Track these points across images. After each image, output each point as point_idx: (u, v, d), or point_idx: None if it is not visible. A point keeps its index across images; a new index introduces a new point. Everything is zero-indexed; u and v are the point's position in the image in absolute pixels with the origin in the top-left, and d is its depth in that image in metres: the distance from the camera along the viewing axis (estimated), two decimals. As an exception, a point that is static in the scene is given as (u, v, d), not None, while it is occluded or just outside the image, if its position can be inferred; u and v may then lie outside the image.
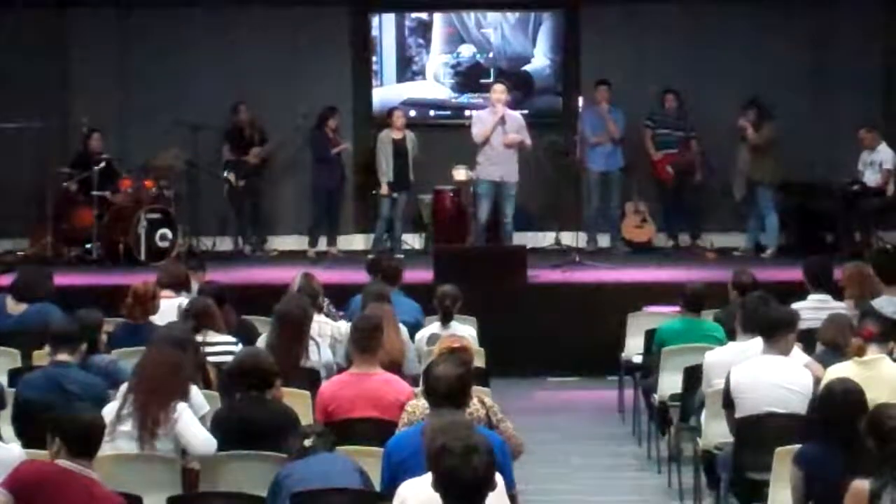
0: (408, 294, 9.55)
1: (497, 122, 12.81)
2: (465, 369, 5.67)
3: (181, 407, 6.22)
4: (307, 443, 5.63)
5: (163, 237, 13.35)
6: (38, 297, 8.84)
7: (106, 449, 6.15)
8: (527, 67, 15.07)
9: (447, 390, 5.52)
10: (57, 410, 5.49)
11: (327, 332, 8.35)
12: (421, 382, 5.90)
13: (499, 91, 12.97)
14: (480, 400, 6.12)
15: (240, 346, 7.55)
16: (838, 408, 5.66)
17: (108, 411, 6.27)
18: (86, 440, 5.22)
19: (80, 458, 5.18)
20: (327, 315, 8.81)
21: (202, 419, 6.36)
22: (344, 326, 8.42)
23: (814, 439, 5.77)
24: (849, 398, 5.68)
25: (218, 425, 6.32)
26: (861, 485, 5.01)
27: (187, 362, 6.53)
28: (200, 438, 6.17)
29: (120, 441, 6.19)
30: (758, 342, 7.05)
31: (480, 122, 12.91)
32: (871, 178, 13.51)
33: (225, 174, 14.09)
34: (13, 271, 10.60)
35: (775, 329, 6.92)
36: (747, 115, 13.68)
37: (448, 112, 14.93)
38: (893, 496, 4.90)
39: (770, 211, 13.72)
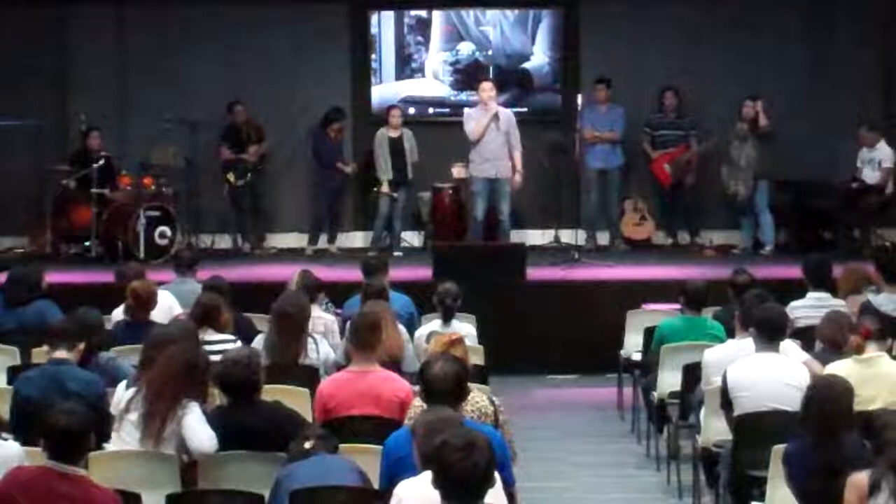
0: (402, 290, 9.51)
1: (491, 120, 12.85)
2: (461, 366, 5.69)
3: (191, 405, 6.20)
4: (307, 445, 5.63)
5: (162, 235, 13.35)
6: (29, 300, 8.86)
7: (112, 439, 6.19)
8: (526, 65, 15.06)
9: (443, 389, 5.53)
10: (47, 409, 5.43)
11: (320, 328, 8.38)
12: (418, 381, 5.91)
13: (488, 89, 13.04)
14: (489, 397, 6.14)
15: (238, 343, 7.53)
16: (820, 404, 5.72)
17: (118, 399, 6.29)
18: (63, 445, 5.19)
19: (62, 461, 5.17)
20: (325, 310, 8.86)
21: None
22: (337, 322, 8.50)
23: (797, 436, 5.81)
24: (830, 395, 5.73)
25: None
26: (860, 477, 5.08)
27: (204, 361, 6.50)
28: (203, 436, 6.14)
29: (126, 430, 6.19)
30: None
31: (472, 120, 12.97)
32: (870, 175, 13.51)
33: (226, 175, 14.08)
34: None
35: (775, 331, 6.93)
36: (756, 104, 13.61)
37: (447, 109, 14.92)
38: (892, 484, 4.96)
39: (765, 208, 13.72)
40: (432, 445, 4.32)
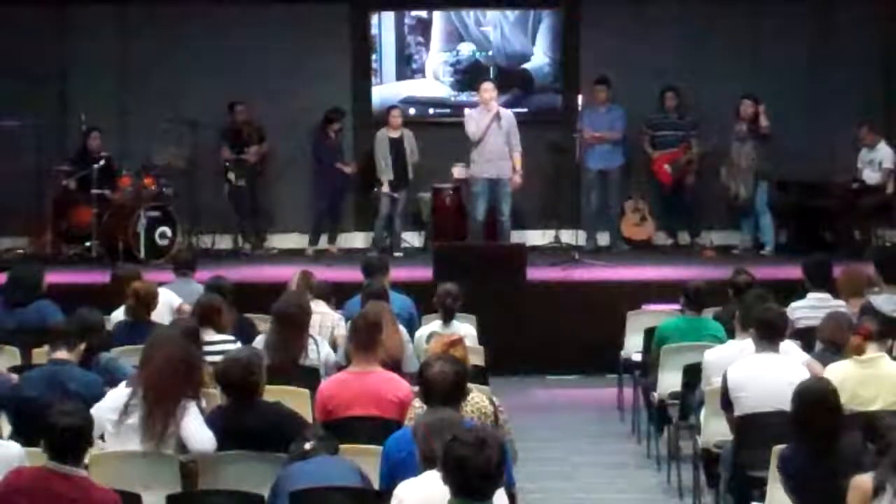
0: (403, 291, 9.52)
1: (493, 120, 12.86)
2: (460, 367, 5.69)
3: (190, 406, 6.20)
4: (308, 446, 5.62)
5: (162, 235, 13.35)
6: (29, 300, 8.86)
7: (111, 442, 6.19)
8: (526, 65, 15.06)
9: (442, 390, 5.54)
10: (47, 409, 5.43)
11: (328, 324, 8.38)
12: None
13: (488, 89, 13.07)
14: (489, 397, 6.15)
15: (238, 344, 7.54)
16: (809, 408, 5.72)
17: (115, 399, 6.28)
18: (63, 445, 5.20)
19: (61, 462, 5.17)
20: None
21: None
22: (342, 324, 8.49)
23: (791, 441, 5.81)
24: (818, 398, 5.72)
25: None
26: (863, 479, 5.07)
27: (199, 360, 6.49)
28: (201, 436, 6.15)
29: (126, 434, 6.19)
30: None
31: (473, 121, 12.99)
32: (871, 176, 13.51)
33: (227, 175, 14.09)
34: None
35: (773, 331, 6.93)
36: (756, 105, 13.60)
37: (447, 110, 14.92)
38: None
39: (765, 208, 13.72)
40: (444, 441, 4.31)
